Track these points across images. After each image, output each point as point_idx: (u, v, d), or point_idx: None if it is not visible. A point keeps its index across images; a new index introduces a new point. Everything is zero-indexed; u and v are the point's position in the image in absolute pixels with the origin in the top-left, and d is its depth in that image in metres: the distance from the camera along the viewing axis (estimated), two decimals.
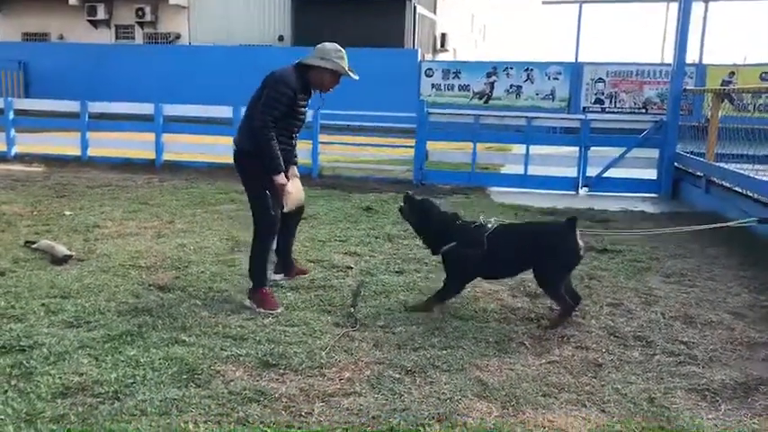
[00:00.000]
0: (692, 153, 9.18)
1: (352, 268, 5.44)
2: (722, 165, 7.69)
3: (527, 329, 4.21)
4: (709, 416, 3.18)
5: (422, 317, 4.33)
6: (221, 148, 10.62)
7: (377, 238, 6.50)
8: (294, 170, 4.71)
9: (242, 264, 5.41)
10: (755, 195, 6.61)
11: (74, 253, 5.52)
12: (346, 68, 4.44)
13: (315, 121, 10.06)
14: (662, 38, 27.08)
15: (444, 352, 3.79)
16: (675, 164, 9.32)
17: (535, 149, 9.86)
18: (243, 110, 4.67)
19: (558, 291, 4.29)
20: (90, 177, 9.78)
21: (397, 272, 5.38)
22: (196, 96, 15.59)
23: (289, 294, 4.75)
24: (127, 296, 4.60)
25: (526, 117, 9.90)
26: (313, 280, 5.08)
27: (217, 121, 11.22)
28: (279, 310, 4.36)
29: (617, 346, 4.01)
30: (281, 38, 25.19)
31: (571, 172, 9.75)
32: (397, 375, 3.48)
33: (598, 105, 21.64)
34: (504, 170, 10.44)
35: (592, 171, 9.70)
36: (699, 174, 8.42)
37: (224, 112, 10.45)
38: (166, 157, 10.99)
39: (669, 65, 21.20)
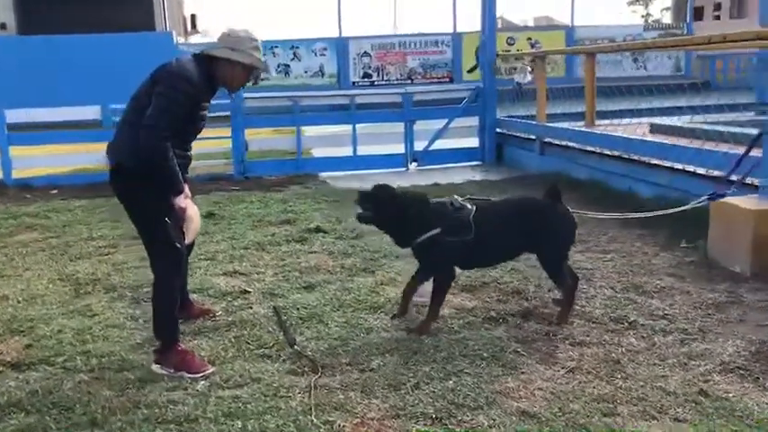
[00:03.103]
0: (509, 117, 9.35)
1: (249, 292, 4.47)
2: (564, 125, 7.84)
3: (506, 332, 3.69)
4: (765, 400, 2.93)
5: (384, 342, 3.60)
6: None
7: (246, 248, 5.51)
8: (187, 189, 3.59)
9: (106, 311, 4.19)
10: (614, 152, 6.78)
11: None
12: (263, 62, 3.49)
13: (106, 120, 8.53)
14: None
15: (451, 383, 3.11)
16: (498, 129, 9.41)
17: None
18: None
19: (562, 271, 3.84)
20: None
21: (305, 288, 4.53)
22: None
23: (198, 341, 3.70)
24: None
25: (348, 95, 9.32)
26: (214, 316, 4.06)
27: None
28: (210, 370, 3.31)
29: (607, 333, 3.64)
30: (3, 26, 21.59)
31: (397, 149, 9.40)
32: (431, 430, 2.74)
33: (367, 79, 21.83)
34: (331, 153, 9.73)
35: (418, 146, 9.45)
36: (531, 137, 8.54)
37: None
38: None
39: (427, 35, 22.21)
